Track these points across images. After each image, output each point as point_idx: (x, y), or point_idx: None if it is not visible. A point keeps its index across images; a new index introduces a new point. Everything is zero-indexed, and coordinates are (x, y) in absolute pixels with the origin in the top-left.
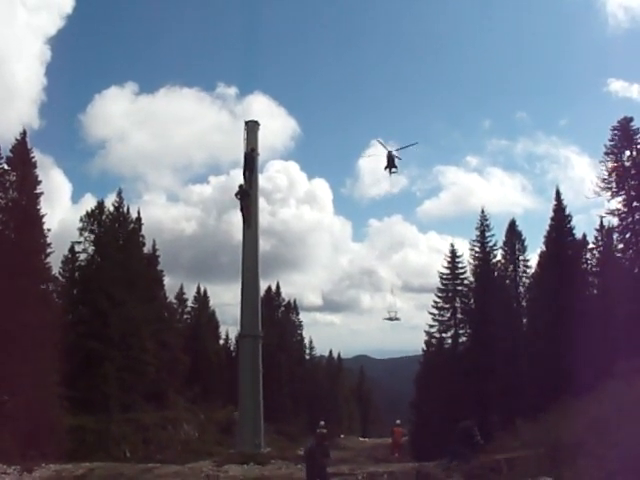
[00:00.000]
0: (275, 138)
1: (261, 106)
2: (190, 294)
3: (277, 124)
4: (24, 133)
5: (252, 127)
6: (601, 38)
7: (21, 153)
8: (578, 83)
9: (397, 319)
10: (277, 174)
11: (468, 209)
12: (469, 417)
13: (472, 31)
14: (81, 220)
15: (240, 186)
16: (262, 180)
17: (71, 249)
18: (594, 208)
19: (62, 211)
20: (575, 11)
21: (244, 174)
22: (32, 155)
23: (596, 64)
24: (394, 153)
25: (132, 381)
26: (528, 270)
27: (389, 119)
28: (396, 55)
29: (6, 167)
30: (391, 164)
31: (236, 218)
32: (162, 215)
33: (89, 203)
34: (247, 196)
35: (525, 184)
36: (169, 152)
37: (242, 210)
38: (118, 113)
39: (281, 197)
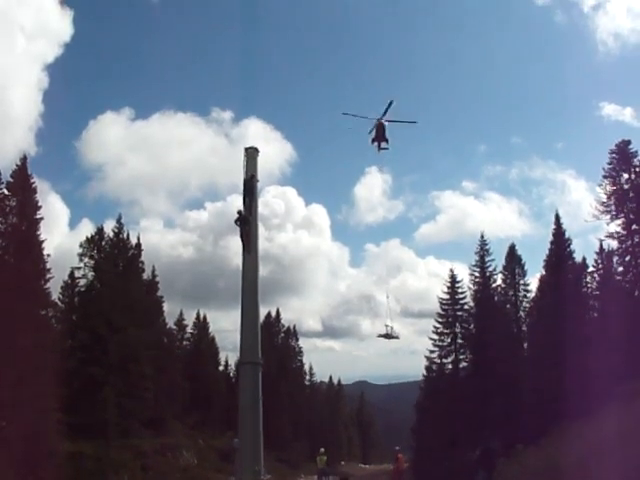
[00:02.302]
0: (271, 163)
1: (257, 130)
2: (189, 320)
3: (273, 148)
4: (24, 159)
5: (252, 154)
6: (592, 64)
7: (21, 179)
8: (571, 107)
9: (395, 337)
10: (274, 199)
11: (466, 233)
12: (490, 440)
13: (466, 57)
14: (81, 246)
15: (239, 212)
16: (259, 205)
17: (71, 274)
18: (592, 232)
19: (59, 236)
20: (566, 39)
21: (244, 201)
22: (32, 181)
23: (588, 89)
24: (386, 122)
25: (131, 407)
26: (528, 294)
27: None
28: (391, 81)
29: (6, 192)
30: (381, 136)
31: (233, 244)
32: (159, 240)
33: (86, 228)
34: (247, 223)
35: (522, 208)
36: (165, 177)
37: (242, 237)
38: (114, 138)
39: (278, 223)
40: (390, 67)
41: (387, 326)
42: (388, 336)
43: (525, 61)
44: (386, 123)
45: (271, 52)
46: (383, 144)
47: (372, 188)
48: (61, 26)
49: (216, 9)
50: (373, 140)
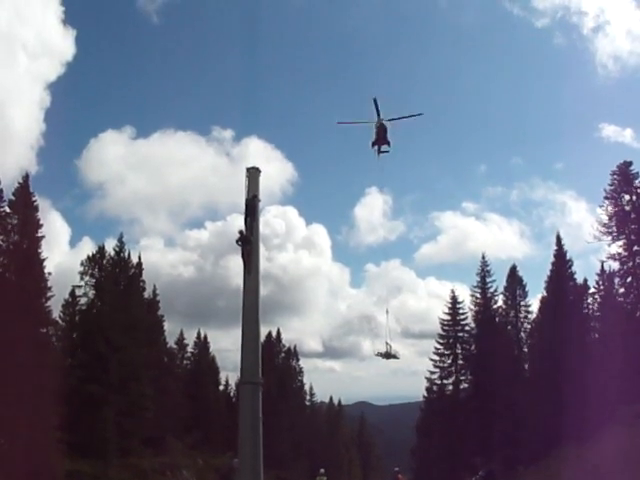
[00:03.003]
0: (272, 182)
1: (258, 149)
2: (190, 339)
3: (274, 168)
4: (26, 177)
5: (253, 174)
6: (592, 85)
7: (23, 197)
8: (571, 128)
9: (394, 356)
10: (275, 219)
11: (467, 254)
12: (491, 461)
13: (466, 79)
14: (82, 264)
15: (241, 232)
16: (260, 225)
17: (71, 293)
18: (593, 253)
19: (60, 254)
20: (565, 61)
21: (245, 221)
22: (34, 199)
23: (588, 110)
24: (386, 123)
25: (131, 426)
26: (529, 315)
27: (384, 166)
28: (392, 101)
29: (8, 210)
30: (382, 138)
31: (234, 263)
32: (159, 259)
33: (87, 246)
34: (248, 243)
35: (523, 229)
36: (166, 195)
37: (243, 257)
38: (115, 157)
39: (279, 242)
40: (391, 88)
41: (387, 344)
42: (387, 355)
43: (525, 82)
44: (387, 124)
45: (272, 71)
46: (384, 147)
47: (372, 209)
48: (63, 45)
49: (217, 29)
50: (373, 144)
